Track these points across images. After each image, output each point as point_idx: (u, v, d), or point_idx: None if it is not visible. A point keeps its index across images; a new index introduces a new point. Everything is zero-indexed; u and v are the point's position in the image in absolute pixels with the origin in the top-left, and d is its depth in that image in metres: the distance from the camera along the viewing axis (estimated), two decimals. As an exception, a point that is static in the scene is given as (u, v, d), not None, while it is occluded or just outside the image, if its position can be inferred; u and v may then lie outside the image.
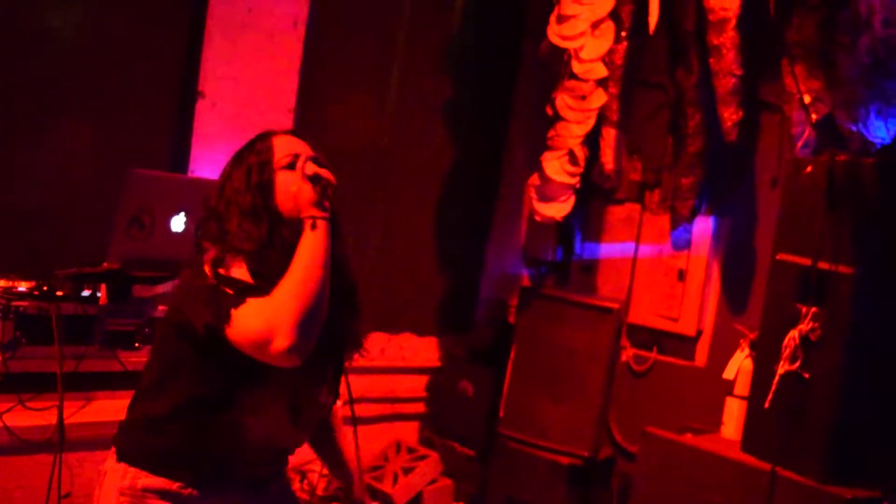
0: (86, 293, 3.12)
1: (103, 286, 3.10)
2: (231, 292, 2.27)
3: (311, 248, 2.30)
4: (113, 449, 2.46)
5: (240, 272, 2.33)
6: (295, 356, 2.21)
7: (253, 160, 2.46)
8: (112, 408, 3.10)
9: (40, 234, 3.77)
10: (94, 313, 3.09)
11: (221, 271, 2.32)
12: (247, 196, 2.40)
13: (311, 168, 2.42)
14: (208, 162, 4.30)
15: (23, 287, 3.05)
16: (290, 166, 2.45)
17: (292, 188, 2.40)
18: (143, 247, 3.05)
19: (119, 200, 2.95)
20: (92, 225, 3.52)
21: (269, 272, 2.31)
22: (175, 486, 2.36)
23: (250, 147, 2.51)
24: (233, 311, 2.24)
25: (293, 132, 2.60)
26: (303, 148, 2.53)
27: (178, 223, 3.14)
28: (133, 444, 2.42)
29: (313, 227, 2.33)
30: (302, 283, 2.25)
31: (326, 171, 2.45)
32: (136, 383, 3.10)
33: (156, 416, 2.39)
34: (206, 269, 2.32)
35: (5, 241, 3.65)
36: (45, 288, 3.05)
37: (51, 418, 2.82)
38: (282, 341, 2.18)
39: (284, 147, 2.50)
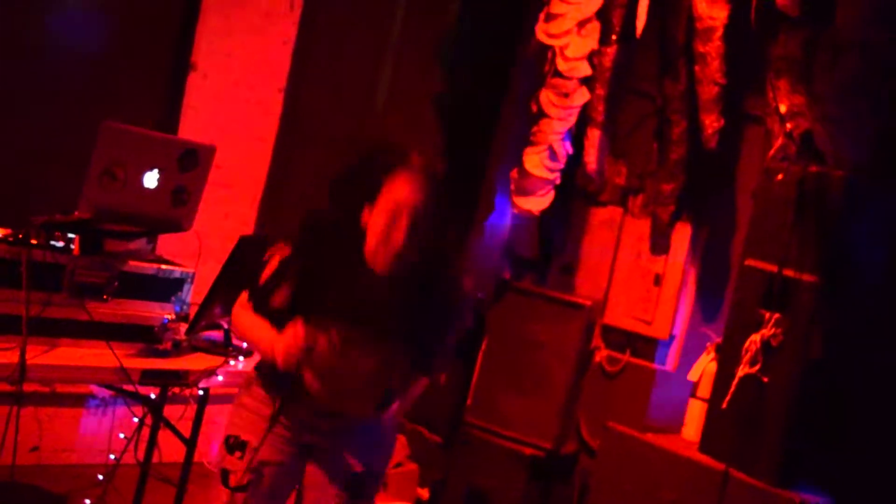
0: (60, 244, 3.19)
1: (77, 238, 3.17)
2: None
3: (256, 339, 2.87)
4: None
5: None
6: None
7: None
8: (76, 354, 3.17)
9: (21, 181, 3.87)
10: (65, 263, 3.16)
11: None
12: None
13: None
14: (196, 132, 4.38)
15: (-1, 234, 3.12)
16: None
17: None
18: (115, 199, 3.12)
19: (93, 151, 3.02)
20: (73, 178, 3.61)
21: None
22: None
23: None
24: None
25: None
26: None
27: (150, 179, 3.20)
28: None
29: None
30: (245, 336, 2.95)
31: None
32: (102, 334, 3.21)
33: None
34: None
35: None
36: (20, 235, 3.12)
37: (13, 357, 2.88)
38: None
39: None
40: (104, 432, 4.37)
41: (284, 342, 2.70)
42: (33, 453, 4.30)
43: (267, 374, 2.89)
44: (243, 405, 2.94)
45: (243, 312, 2.87)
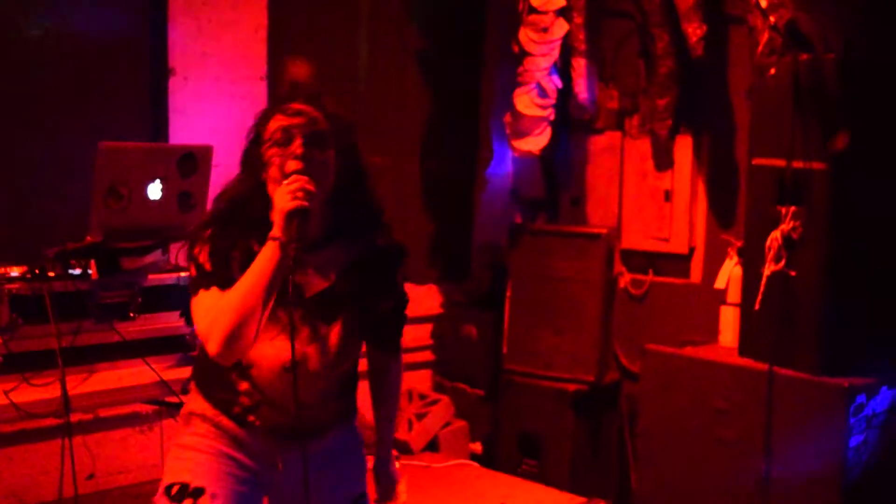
0: (77, 271, 3.20)
1: (93, 262, 3.18)
2: (194, 274, 2.42)
3: (261, 268, 2.32)
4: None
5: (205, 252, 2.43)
6: (220, 361, 2.36)
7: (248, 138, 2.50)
8: (114, 377, 3.20)
9: (26, 216, 3.87)
10: (87, 288, 3.17)
11: (196, 250, 2.43)
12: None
13: (292, 193, 2.33)
14: (187, 135, 4.38)
15: (15, 272, 3.13)
16: (280, 143, 2.40)
17: (271, 190, 2.39)
18: (124, 216, 3.12)
19: (94, 173, 3.02)
20: (77, 203, 3.63)
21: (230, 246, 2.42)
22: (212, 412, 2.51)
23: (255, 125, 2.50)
24: (192, 298, 2.42)
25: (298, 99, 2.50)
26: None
27: (154, 191, 3.21)
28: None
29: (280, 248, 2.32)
30: (241, 302, 2.31)
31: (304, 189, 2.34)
32: (136, 351, 3.22)
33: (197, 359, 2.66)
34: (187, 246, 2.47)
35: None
36: (36, 270, 3.12)
37: (55, 391, 2.91)
38: (211, 348, 2.33)
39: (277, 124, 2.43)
40: (155, 447, 4.41)
41: (276, 212, 2.33)
42: (90, 481, 4.34)
43: (206, 382, 2.54)
44: (183, 445, 2.52)
45: (209, 307, 2.36)
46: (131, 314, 3.26)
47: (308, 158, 2.37)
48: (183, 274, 3.45)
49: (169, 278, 3.39)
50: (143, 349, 3.27)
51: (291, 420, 2.45)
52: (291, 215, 2.30)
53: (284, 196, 2.31)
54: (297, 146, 2.37)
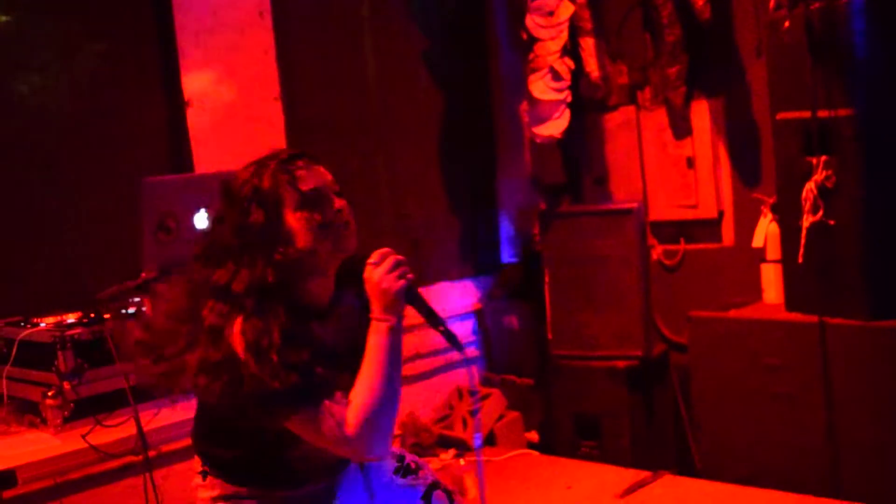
0: (132, 310, 3.23)
1: (146, 299, 3.20)
2: (280, 388, 2.09)
3: (385, 356, 2.19)
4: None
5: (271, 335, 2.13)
6: (371, 459, 2.32)
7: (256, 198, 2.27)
8: (179, 409, 3.21)
9: (72, 263, 3.89)
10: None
11: (270, 369, 2.09)
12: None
13: (396, 272, 2.23)
14: (212, 164, 4.40)
15: (71, 318, 3.16)
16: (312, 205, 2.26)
17: (373, 278, 2.23)
18: (173, 250, 3.15)
19: (141, 210, 3.05)
20: (117, 243, 3.66)
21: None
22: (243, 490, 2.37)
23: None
24: (312, 417, 2.14)
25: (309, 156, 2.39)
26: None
27: (200, 220, 3.24)
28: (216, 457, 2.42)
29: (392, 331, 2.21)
30: (387, 396, 2.18)
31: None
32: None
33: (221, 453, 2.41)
34: (237, 341, 2.11)
35: (40, 279, 3.79)
36: (92, 315, 3.15)
37: (129, 430, 2.93)
38: (360, 457, 2.26)
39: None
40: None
41: (382, 276, 2.21)
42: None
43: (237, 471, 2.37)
44: None
45: (352, 410, 2.17)
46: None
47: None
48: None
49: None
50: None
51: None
52: (400, 294, 2.22)
53: (386, 277, 2.21)
54: (338, 203, 2.30)
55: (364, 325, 2.25)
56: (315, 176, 2.33)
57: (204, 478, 2.42)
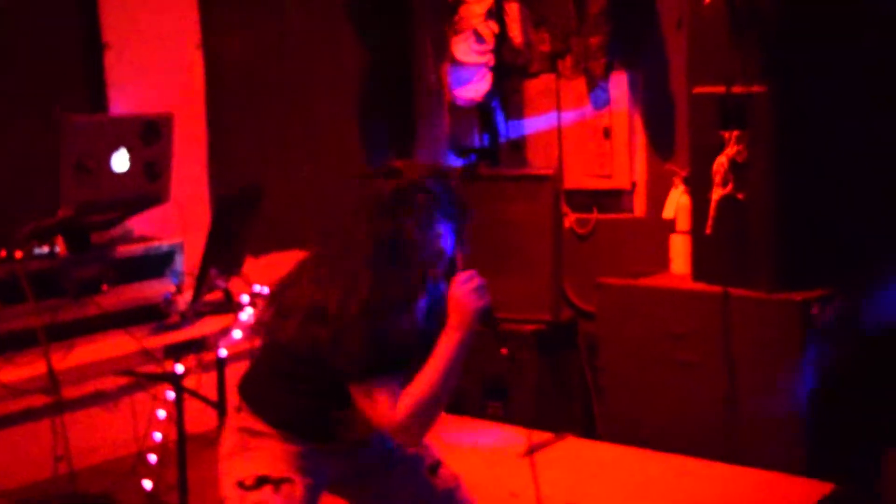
0: (44, 249, 3.19)
1: (60, 238, 3.17)
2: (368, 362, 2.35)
3: (449, 360, 2.42)
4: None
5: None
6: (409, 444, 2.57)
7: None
8: (95, 350, 3.20)
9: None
10: (59, 266, 3.17)
11: (358, 330, 2.34)
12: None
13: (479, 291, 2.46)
14: (127, 109, 4.35)
15: (-18, 254, 3.11)
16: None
17: (456, 294, 2.45)
18: (93, 189, 3.12)
19: (61, 147, 3.00)
20: (31, 178, 3.61)
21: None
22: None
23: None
24: (373, 389, 2.37)
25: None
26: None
27: (120, 162, 3.20)
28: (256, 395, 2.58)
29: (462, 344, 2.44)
30: (442, 390, 2.41)
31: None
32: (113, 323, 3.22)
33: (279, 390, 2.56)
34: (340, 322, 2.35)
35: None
36: (3, 252, 3.11)
37: (40, 369, 2.91)
38: (401, 439, 2.48)
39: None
40: (126, 422, 4.40)
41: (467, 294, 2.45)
42: (62, 462, 4.32)
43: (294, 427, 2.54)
44: (249, 447, 2.53)
45: (408, 398, 2.39)
46: (104, 287, 3.26)
47: None
48: (152, 244, 3.44)
49: (139, 248, 3.40)
50: (118, 321, 3.27)
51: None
52: (476, 313, 2.44)
53: (470, 294, 2.44)
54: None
55: (437, 331, 2.46)
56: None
57: (238, 411, 2.58)
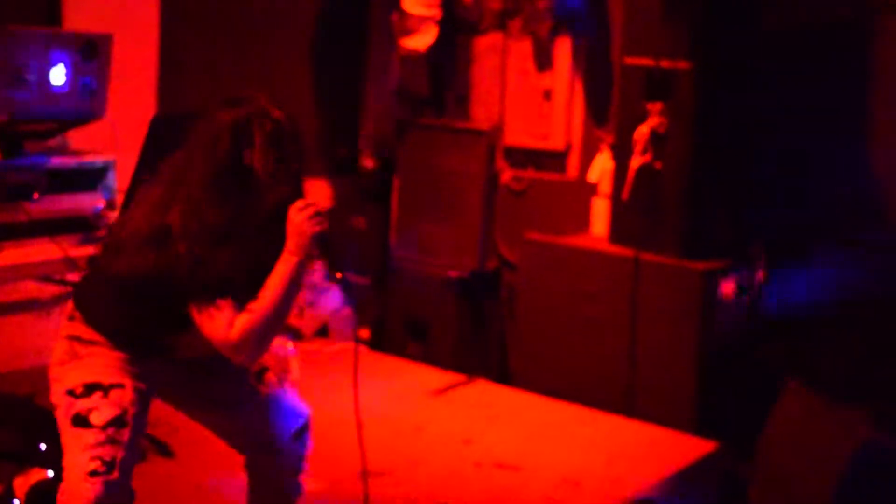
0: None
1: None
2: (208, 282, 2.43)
3: (285, 285, 2.47)
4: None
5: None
6: (243, 364, 2.59)
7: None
8: (20, 254, 3.33)
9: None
10: (-10, 169, 3.29)
11: (197, 250, 2.43)
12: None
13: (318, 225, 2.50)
14: (82, 25, 4.43)
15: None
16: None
17: (295, 220, 2.49)
18: (28, 100, 3.23)
19: (-1, 56, 3.12)
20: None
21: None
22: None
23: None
24: (211, 308, 2.45)
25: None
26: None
27: (57, 75, 3.32)
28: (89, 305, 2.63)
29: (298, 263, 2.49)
30: (276, 316, 2.49)
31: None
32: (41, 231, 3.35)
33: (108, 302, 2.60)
34: (181, 244, 2.43)
35: None
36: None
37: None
38: (236, 358, 2.51)
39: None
40: (52, 332, 4.51)
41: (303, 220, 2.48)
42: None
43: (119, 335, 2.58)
44: (80, 355, 2.57)
45: (233, 321, 2.46)
46: (35, 195, 3.39)
47: None
48: (86, 158, 3.56)
49: (72, 161, 3.52)
50: (47, 229, 3.39)
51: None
52: (313, 239, 2.49)
53: (307, 221, 2.48)
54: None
55: (276, 255, 2.52)
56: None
57: (71, 320, 2.63)
